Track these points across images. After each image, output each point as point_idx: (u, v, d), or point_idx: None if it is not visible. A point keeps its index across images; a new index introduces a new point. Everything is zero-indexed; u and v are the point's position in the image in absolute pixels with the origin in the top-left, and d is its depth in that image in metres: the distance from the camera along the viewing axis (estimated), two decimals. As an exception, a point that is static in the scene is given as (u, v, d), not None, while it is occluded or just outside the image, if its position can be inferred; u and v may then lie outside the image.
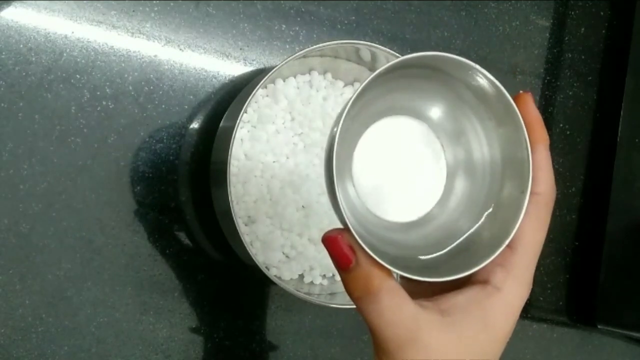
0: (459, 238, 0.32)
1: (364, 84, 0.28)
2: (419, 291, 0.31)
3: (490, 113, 0.32)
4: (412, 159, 0.33)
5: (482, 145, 0.33)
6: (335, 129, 0.28)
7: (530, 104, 0.30)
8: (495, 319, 0.29)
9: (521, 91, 0.30)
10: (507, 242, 0.29)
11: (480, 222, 0.32)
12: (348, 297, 0.38)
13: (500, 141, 0.32)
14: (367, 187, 0.32)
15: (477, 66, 0.30)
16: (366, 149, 0.32)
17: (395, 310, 0.28)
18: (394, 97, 0.32)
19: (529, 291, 0.30)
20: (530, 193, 0.30)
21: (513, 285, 0.30)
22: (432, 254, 0.32)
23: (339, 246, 0.29)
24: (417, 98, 0.33)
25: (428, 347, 0.28)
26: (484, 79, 0.30)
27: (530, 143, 0.30)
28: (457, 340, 0.29)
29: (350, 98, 0.28)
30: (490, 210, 0.32)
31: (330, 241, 0.29)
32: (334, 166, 0.28)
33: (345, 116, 0.28)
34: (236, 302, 0.47)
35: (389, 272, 0.29)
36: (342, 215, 0.28)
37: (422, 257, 0.32)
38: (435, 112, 0.33)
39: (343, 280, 0.30)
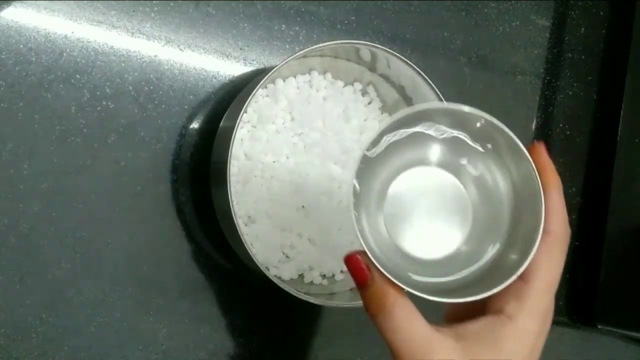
0: (476, 267, 0.35)
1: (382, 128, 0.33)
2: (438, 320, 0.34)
3: (507, 160, 0.35)
4: (440, 205, 0.36)
5: (501, 188, 0.36)
6: (356, 165, 0.33)
7: (543, 153, 0.33)
8: (508, 346, 0.32)
9: (535, 142, 0.34)
10: (516, 275, 0.32)
11: (494, 256, 0.35)
12: (347, 297, 0.40)
13: (516, 185, 0.35)
14: (398, 225, 0.35)
15: (501, 125, 0.34)
16: (398, 191, 0.35)
17: (409, 329, 0.31)
18: (420, 148, 0.36)
19: (546, 321, 0.33)
20: (543, 232, 0.32)
21: (526, 314, 0.32)
22: (449, 278, 0.35)
23: (358, 265, 0.32)
24: (443, 151, 0.36)
25: None
26: (501, 134, 0.34)
27: (543, 187, 0.33)
28: None
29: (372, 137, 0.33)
30: (502, 246, 0.35)
31: (349, 260, 0.32)
32: (352, 197, 0.32)
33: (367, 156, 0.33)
34: (236, 302, 0.47)
35: (402, 291, 0.32)
36: (359, 239, 0.32)
37: (439, 280, 0.35)
38: (460, 160, 0.36)
39: (361, 297, 0.32)
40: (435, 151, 0.36)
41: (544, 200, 0.33)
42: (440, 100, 0.45)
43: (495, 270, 0.34)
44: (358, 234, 0.32)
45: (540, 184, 0.33)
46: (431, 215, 0.36)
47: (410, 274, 0.34)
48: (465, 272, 0.35)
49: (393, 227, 0.35)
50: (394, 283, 0.31)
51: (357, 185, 0.33)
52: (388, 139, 0.35)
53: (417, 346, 0.31)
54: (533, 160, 0.33)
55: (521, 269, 0.32)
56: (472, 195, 0.36)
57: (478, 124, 0.35)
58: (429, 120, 0.35)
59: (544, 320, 0.33)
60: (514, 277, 0.32)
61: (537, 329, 0.33)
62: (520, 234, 0.34)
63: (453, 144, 0.36)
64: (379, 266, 0.31)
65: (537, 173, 0.33)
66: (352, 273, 0.32)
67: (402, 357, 0.31)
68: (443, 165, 0.36)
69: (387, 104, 0.49)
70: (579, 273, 0.58)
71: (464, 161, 0.36)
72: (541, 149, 0.34)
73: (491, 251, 0.35)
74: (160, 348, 0.44)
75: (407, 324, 0.31)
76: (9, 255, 0.41)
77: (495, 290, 0.32)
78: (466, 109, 0.35)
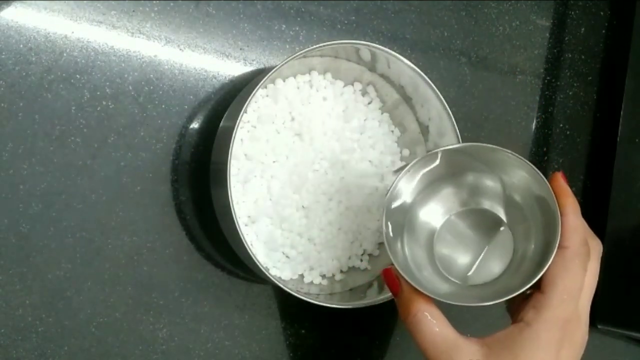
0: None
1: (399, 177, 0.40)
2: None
3: (531, 189, 0.40)
4: (485, 240, 0.41)
5: (528, 214, 0.40)
6: (388, 193, 0.39)
7: (559, 180, 0.38)
8: (524, 351, 0.34)
9: (554, 172, 0.38)
10: (526, 286, 0.36)
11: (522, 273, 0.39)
12: (347, 297, 0.41)
13: (539, 208, 0.39)
14: (445, 255, 0.41)
15: (527, 162, 0.38)
16: (447, 230, 0.42)
17: (436, 334, 0.36)
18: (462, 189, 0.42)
19: (567, 330, 0.36)
20: (559, 247, 0.36)
21: (542, 322, 0.35)
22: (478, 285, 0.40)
23: (390, 276, 0.38)
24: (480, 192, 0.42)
25: None
26: (523, 167, 0.39)
27: (560, 209, 0.37)
28: None
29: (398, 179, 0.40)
30: (524, 261, 0.39)
31: (385, 272, 0.38)
32: (384, 222, 0.39)
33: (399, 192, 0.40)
34: (236, 302, 0.47)
35: (429, 300, 0.36)
36: (390, 255, 0.38)
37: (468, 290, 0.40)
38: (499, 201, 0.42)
39: (397, 305, 0.38)
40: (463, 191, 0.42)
41: (562, 220, 0.36)
42: (440, 100, 0.45)
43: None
44: (388, 250, 0.37)
45: (556, 205, 0.37)
46: (476, 248, 0.41)
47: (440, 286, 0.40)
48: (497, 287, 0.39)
49: (443, 256, 0.41)
50: (420, 292, 0.36)
51: (389, 231, 0.39)
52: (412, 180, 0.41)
53: (443, 347, 0.35)
54: (551, 186, 0.37)
55: (533, 281, 0.36)
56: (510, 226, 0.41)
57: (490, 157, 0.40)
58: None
59: (563, 328, 0.35)
60: (524, 288, 0.36)
61: (555, 337, 0.35)
62: (541, 251, 0.38)
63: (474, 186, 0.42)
64: (406, 277, 0.36)
65: (554, 196, 0.37)
66: (386, 283, 0.38)
67: (431, 355, 0.35)
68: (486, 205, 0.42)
69: (387, 104, 0.49)
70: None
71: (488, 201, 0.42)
72: (558, 176, 0.38)
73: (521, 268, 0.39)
74: (160, 348, 0.44)
75: (433, 327, 0.36)
76: (9, 255, 0.41)
77: (505, 298, 0.36)
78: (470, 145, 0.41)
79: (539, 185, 0.38)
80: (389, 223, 0.39)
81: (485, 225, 0.41)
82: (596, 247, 0.38)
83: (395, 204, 0.40)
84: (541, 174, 0.38)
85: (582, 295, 0.37)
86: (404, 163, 0.49)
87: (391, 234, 0.39)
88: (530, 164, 0.38)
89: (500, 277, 0.40)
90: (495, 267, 0.40)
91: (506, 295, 0.36)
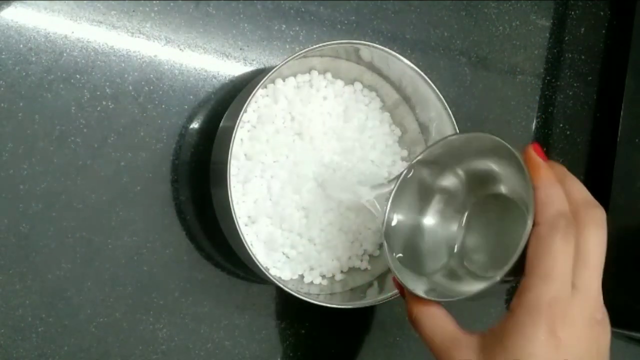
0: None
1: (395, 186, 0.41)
2: None
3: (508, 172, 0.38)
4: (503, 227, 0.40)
5: (516, 197, 0.39)
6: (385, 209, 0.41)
7: (530, 152, 0.36)
8: (510, 340, 0.33)
9: (527, 145, 0.36)
10: (499, 276, 0.34)
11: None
12: (347, 297, 0.41)
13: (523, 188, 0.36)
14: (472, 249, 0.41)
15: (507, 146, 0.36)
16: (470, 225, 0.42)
17: (436, 331, 0.37)
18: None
19: (554, 314, 0.33)
20: (535, 224, 0.34)
21: (522, 307, 0.33)
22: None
23: (396, 283, 0.40)
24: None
25: None
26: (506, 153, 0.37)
27: (532, 182, 0.34)
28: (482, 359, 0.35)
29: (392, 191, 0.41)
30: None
31: (393, 279, 0.40)
32: (383, 236, 0.41)
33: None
34: (236, 302, 0.47)
35: (430, 301, 0.38)
36: (392, 270, 0.39)
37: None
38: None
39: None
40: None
41: (534, 195, 0.34)
42: (440, 100, 0.45)
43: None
44: (390, 264, 0.40)
45: (529, 180, 0.34)
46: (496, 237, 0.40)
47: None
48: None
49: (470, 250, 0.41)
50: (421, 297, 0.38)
51: (386, 245, 0.40)
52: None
53: (442, 342, 0.36)
54: (523, 161, 0.35)
55: (506, 268, 0.34)
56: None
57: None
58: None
59: (550, 309, 0.32)
60: (496, 278, 0.34)
61: (540, 320, 0.32)
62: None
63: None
64: (403, 283, 0.39)
65: (527, 172, 0.35)
66: (396, 287, 0.40)
67: (433, 351, 0.37)
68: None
69: (387, 104, 0.49)
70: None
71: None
72: (528, 148, 0.36)
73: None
74: (160, 348, 0.44)
75: (435, 327, 0.37)
76: (9, 255, 0.41)
77: (474, 292, 0.36)
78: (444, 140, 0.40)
79: (514, 162, 0.36)
80: (392, 248, 0.40)
81: (499, 211, 0.40)
82: (595, 215, 0.35)
83: (395, 227, 0.41)
84: (512, 149, 0.36)
85: (580, 268, 0.33)
86: (404, 163, 0.49)
87: (396, 253, 0.40)
88: (502, 142, 0.36)
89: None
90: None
91: (486, 287, 0.35)
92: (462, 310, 0.39)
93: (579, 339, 0.33)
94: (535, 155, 0.35)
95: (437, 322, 0.37)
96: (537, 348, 0.32)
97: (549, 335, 0.32)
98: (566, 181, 0.35)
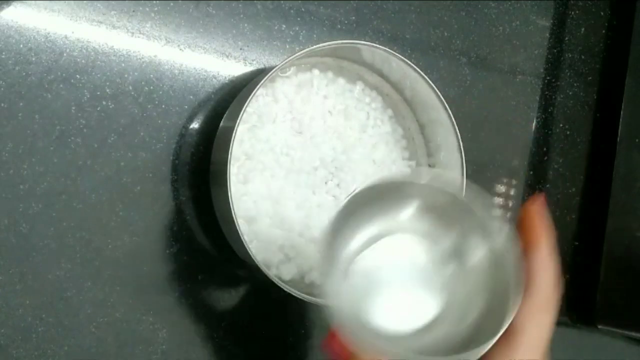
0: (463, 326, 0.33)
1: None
2: None
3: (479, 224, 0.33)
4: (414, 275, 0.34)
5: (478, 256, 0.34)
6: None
7: (531, 209, 0.32)
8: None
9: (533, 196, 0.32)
10: (489, 344, 0.31)
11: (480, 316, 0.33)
12: None
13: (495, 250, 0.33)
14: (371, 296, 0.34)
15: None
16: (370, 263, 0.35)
17: None
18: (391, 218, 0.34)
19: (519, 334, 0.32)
20: (527, 293, 0.31)
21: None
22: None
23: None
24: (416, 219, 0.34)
25: None
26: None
27: (533, 242, 0.32)
28: None
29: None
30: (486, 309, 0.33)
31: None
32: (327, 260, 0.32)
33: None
34: (236, 302, 0.47)
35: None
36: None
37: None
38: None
39: None
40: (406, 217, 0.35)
41: (534, 256, 0.32)
42: (440, 100, 0.45)
43: (483, 329, 0.32)
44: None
45: (517, 247, 0.31)
46: (406, 285, 0.34)
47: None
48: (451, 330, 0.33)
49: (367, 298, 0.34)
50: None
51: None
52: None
53: None
54: (525, 209, 0.32)
55: (495, 338, 0.31)
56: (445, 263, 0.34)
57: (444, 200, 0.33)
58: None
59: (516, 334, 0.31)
60: (487, 346, 0.31)
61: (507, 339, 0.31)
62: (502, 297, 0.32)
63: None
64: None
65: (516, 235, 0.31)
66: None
67: None
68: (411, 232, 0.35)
69: (387, 104, 0.49)
70: (579, 273, 0.58)
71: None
72: (536, 199, 0.33)
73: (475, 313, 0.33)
74: (160, 348, 0.44)
75: None
76: (9, 255, 0.41)
77: (466, 356, 0.31)
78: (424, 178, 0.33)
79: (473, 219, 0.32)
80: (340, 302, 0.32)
81: (408, 254, 0.35)
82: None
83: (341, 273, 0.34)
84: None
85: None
86: (405, 163, 0.49)
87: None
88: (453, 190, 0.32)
89: (436, 322, 0.33)
90: (427, 309, 0.33)
91: (476, 346, 0.31)
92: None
93: None
94: (536, 213, 0.32)
95: None
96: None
97: None
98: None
